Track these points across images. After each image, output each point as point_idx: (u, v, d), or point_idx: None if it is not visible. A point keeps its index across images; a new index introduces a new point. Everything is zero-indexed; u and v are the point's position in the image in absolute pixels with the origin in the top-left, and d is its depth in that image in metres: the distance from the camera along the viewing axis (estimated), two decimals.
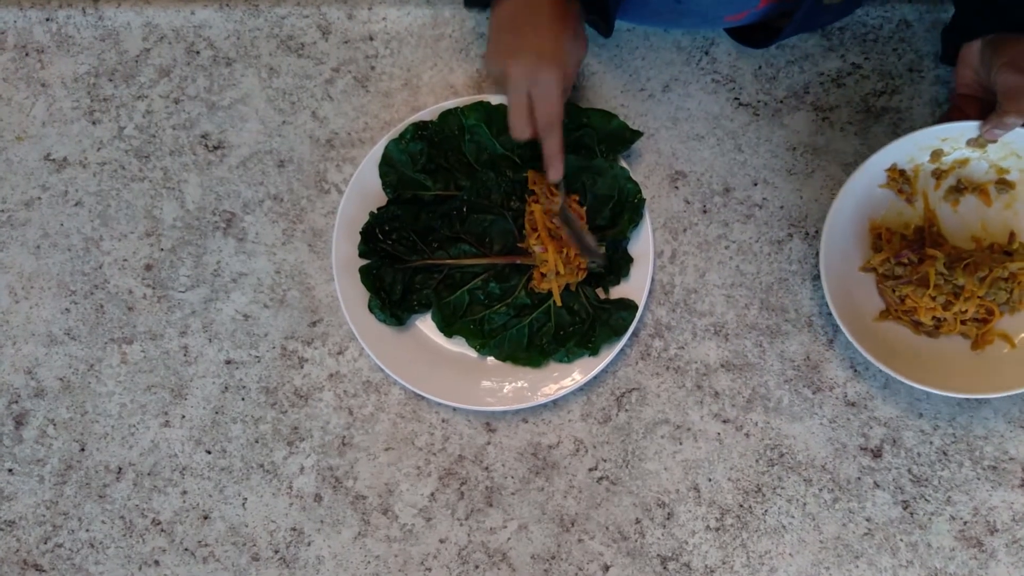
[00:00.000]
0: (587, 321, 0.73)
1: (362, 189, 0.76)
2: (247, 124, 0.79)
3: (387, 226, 0.74)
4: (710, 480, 0.73)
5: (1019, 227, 0.72)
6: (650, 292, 0.74)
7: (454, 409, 0.75)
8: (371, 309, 0.74)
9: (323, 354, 0.76)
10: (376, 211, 0.75)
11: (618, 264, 0.74)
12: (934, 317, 0.70)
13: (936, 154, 0.71)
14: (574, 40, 0.66)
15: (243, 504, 0.74)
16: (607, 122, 0.74)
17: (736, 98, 0.77)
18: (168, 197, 0.79)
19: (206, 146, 0.79)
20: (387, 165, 0.75)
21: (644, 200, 0.72)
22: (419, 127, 0.75)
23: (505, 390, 0.73)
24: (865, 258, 0.72)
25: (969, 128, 0.68)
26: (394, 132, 0.75)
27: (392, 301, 0.74)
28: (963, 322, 0.71)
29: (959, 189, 0.72)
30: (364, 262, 0.75)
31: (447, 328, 0.74)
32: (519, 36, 0.63)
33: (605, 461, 0.73)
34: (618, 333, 0.72)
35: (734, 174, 0.76)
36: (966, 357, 0.71)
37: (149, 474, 0.75)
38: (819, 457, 0.72)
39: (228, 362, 0.76)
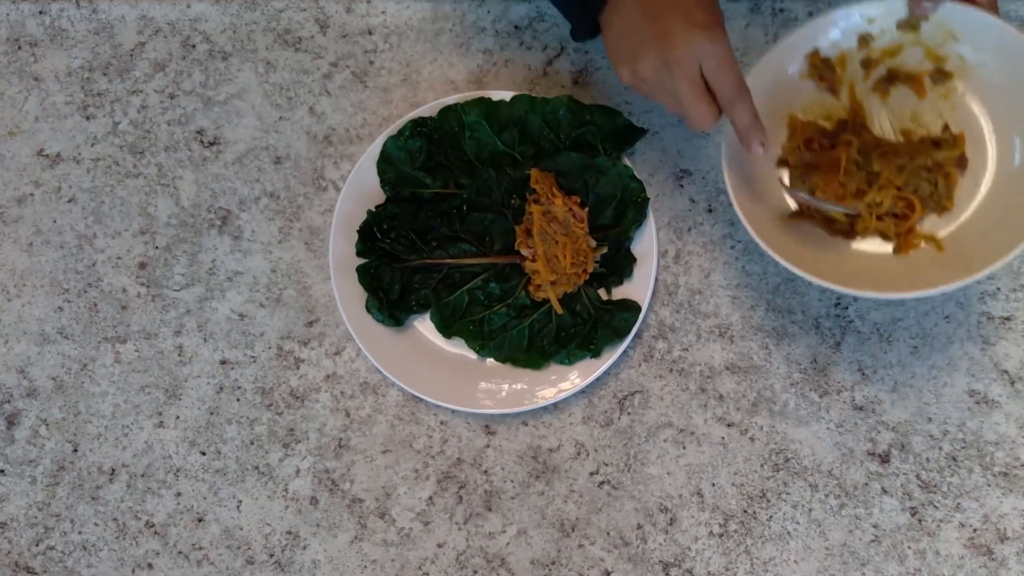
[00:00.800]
0: (589, 323, 0.71)
1: (360, 187, 0.74)
2: (243, 120, 0.78)
3: (385, 224, 0.73)
4: (714, 485, 0.71)
5: (954, 119, 0.63)
6: (653, 293, 0.72)
7: (453, 412, 0.73)
8: (368, 309, 0.73)
9: (320, 355, 0.74)
10: (374, 209, 0.73)
11: (621, 264, 0.72)
12: (846, 212, 0.63)
13: (864, 40, 0.62)
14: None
15: (238, 507, 0.73)
16: (611, 119, 0.72)
17: None
18: (163, 194, 0.77)
19: (201, 142, 0.78)
20: (385, 162, 0.74)
21: (648, 199, 0.71)
22: (418, 124, 0.73)
23: (505, 392, 0.71)
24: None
25: (897, 6, 0.59)
26: (393, 129, 0.73)
27: (390, 301, 0.72)
28: (880, 218, 0.62)
29: (890, 79, 0.63)
30: (362, 261, 0.73)
31: (446, 329, 0.72)
32: (658, 18, 0.54)
33: (606, 465, 0.72)
34: (620, 335, 0.70)
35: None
36: (889, 263, 0.62)
37: (143, 476, 0.74)
38: (825, 462, 0.70)
39: (223, 362, 0.75)
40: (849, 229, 0.64)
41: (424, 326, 0.74)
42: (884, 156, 0.61)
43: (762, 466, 0.71)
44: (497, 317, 0.72)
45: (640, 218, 0.71)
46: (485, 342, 0.72)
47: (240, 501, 0.73)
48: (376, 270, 0.73)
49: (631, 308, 0.71)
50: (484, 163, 0.73)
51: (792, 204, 0.65)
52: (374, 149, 0.73)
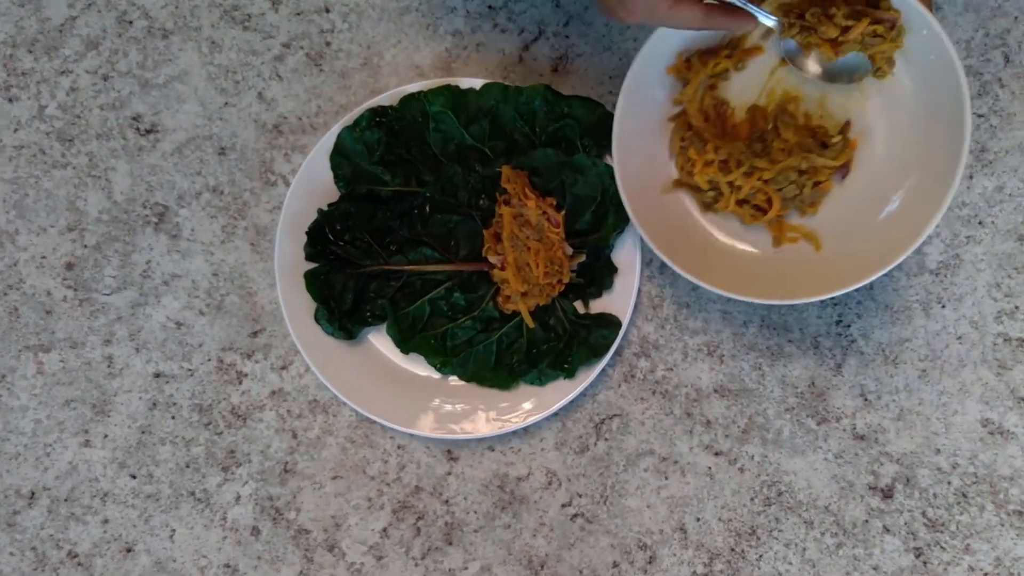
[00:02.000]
0: (563, 339, 0.64)
1: (312, 182, 0.67)
2: (184, 105, 0.71)
3: (338, 225, 0.66)
4: (698, 520, 0.65)
5: (859, 114, 0.61)
6: (636, 306, 0.66)
7: (411, 436, 0.66)
8: (317, 320, 0.66)
9: (265, 369, 0.68)
10: (326, 208, 0.66)
11: (600, 274, 0.65)
12: (710, 183, 0.62)
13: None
14: None
15: (171, 536, 0.67)
16: (591, 112, 0.65)
17: None
18: (93, 187, 0.71)
19: (137, 129, 0.71)
20: (340, 155, 0.67)
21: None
22: (377, 113, 0.66)
23: (469, 415, 0.65)
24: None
25: None
26: (349, 118, 0.66)
27: (342, 311, 0.65)
28: (739, 202, 0.62)
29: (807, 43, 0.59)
30: (311, 266, 0.66)
31: (404, 343, 0.65)
32: None
33: (580, 496, 0.66)
34: (598, 354, 0.63)
35: (631, 63, 0.66)
36: (767, 259, 0.63)
37: (66, 500, 0.68)
38: (822, 496, 0.65)
39: (157, 375, 0.68)
40: (711, 202, 0.63)
41: (380, 340, 0.67)
42: (763, 140, 0.61)
43: (752, 500, 0.65)
44: (461, 331, 0.65)
45: (622, 223, 0.64)
46: (448, 358, 0.65)
47: (173, 530, 0.67)
48: (327, 276, 0.66)
49: (610, 324, 0.64)
50: (450, 158, 0.66)
51: (673, 172, 0.64)
52: (327, 140, 0.67)
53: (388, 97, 0.67)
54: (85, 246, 0.70)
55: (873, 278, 0.57)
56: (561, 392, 0.64)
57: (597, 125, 0.65)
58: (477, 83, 0.66)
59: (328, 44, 0.71)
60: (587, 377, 0.64)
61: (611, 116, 0.65)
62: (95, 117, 0.72)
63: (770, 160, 0.61)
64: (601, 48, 0.70)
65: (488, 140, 0.66)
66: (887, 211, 0.61)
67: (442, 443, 0.67)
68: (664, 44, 0.60)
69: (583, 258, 0.65)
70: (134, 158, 0.71)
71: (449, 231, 0.66)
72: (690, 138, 0.63)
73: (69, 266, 0.70)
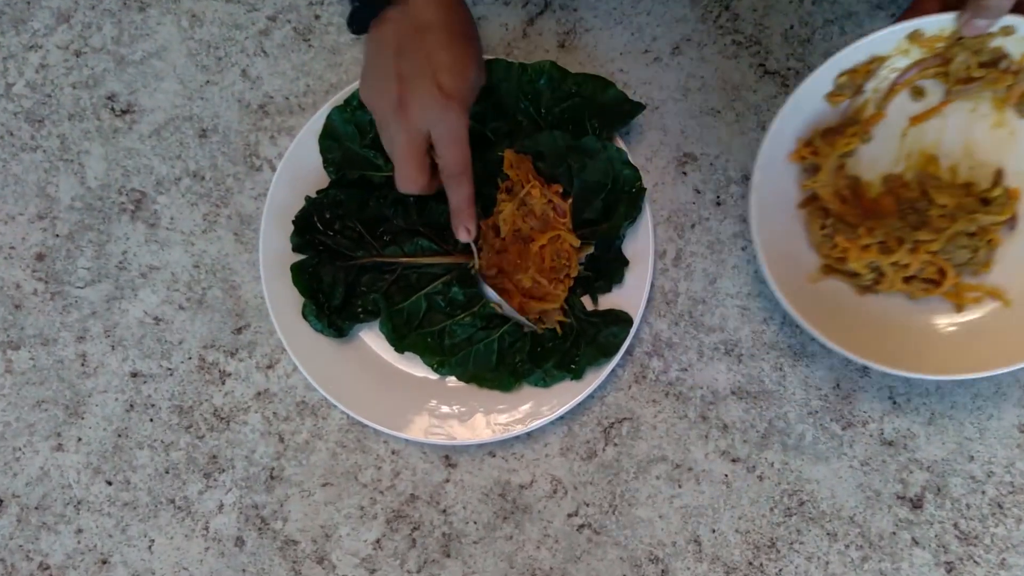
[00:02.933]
0: (570, 337, 0.60)
1: (299, 167, 0.63)
2: (163, 84, 0.68)
3: (328, 214, 0.62)
4: (714, 531, 0.62)
5: (1011, 159, 0.58)
6: (648, 302, 0.63)
7: (406, 441, 0.62)
8: (305, 316, 0.62)
9: (249, 367, 0.65)
10: (314, 195, 0.61)
11: (610, 268, 0.61)
12: (870, 266, 0.59)
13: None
14: (479, 65, 0.57)
15: (149, 547, 0.64)
16: (602, 91, 0.61)
17: (761, 64, 0.65)
18: (65, 171, 0.67)
19: (112, 110, 0.68)
20: (330, 138, 0.63)
21: (644, 189, 0.60)
22: None
23: (468, 419, 0.61)
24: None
25: (941, 23, 0.53)
26: (339, 97, 0.62)
27: (331, 307, 0.61)
28: (906, 280, 0.60)
29: (961, 81, 0.57)
30: (298, 257, 0.61)
31: (399, 341, 0.61)
32: (413, 61, 0.54)
33: (588, 505, 0.62)
34: (607, 353, 0.59)
35: (755, 159, 0.63)
36: (951, 329, 0.59)
37: (37, 508, 0.65)
38: (847, 507, 0.62)
39: (134, 375, 0.65)
40: (872, 285, 0.60)
41: (372, 338, 0.63)
42: (929, 205, 0.59)
43: (772, 510, 0.62)
44: (460, 328, 0.61)
45: (634, 212, 0.60)
46: (445, 358, 0.61)
47: (152, 540, 0.64)
48: (315, 269, 0.61)
49: (621, 321, 0.60)
50: None
51: (814, 259, 0.61)
52: (316, 122, 0.62)
53: None
54: (56, 235, 0.67)
55: None
56: (567, 394, 0.60)
57: (608, 105, 0.61)
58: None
59: (317, 17, 0.67)
60: (596, 378, 0.60)
61: (623, 95, 0.61)
62: (67, 96, 0.68)
63: (933, 230, 0.58)
64: (612, 22, 0.65)
65: (490, 121, 0.62)
66: None
67: (439, 449, 0.63)
68: (785, 130, 0.58)
69: (591, 250, 0.61)
70: (109, 141, 0.67)
71: (446, 221, 0.62)
72: (832, 224, 0.59)
73: (39, 257, 0.67)
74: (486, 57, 0.62)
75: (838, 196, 0.60)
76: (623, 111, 0.61)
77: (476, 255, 0.60)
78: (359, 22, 0.56)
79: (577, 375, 0.60)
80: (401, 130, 0.54)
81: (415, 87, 0.53)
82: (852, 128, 0.58)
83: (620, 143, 0.61)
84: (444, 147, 0.55)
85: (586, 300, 0.62)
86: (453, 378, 0.62)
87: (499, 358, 0.61)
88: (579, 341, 0.60)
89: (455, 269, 0.62)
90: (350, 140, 0.62)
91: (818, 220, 0.60)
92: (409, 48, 0.54)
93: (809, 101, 0.57)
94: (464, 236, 0.58)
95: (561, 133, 0.60)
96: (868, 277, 0.59)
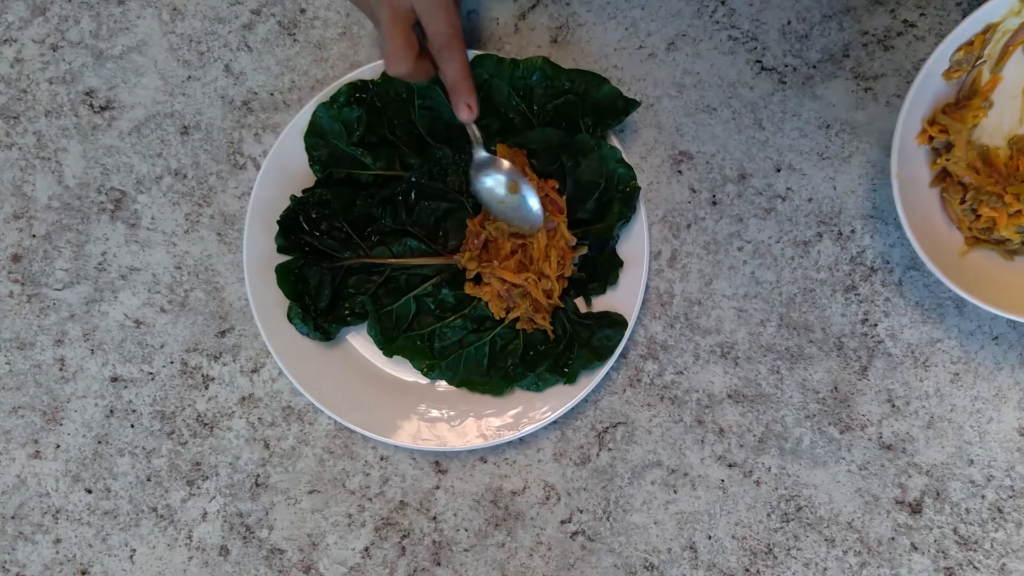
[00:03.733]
0: (563, 340, 0.59)
1: (284, 165, 0.61)
2: (143, 79, 0.66)
3: (314, 213, 0.60)
4: (710, 538, 0.60)
5: None
6: (643, 303, 0.61)
7: (394, 447, 0.61)
8: (291, 319, 0.60)
9: (234, 372, 0.63)
10: (300, 194, 0.60)
11: (604, 268, 0.59)
12: (1020, 231, 0.59)
13: None
14: None
15: (131, 557, 0.62)
16: (595, 88, 0.59)
17: (758, 61, 0.63)
18: (42, 170, 0.65)
19: (91, 106, 0.65)
20: (316, 135, 0.61)
21: (639, 188, 0.59)
22: (357, 88, 0.60)
23: (459, 424, 0.59)
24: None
25: None
26: (326, 94, 0.60)
27: (318, 309, 0.59)
28: None
29: None
30: (284, 258, 0.60)
31: (387, 344, 0.59)
32: None
33: (581, 512, 0.61)
34: (601, 357, 0.58)
35: (752, 157, 0.62)
36: None
37: (13, 517, 0.63)
38: (845, 512, 0.61)
39: (114, 379, 0.63)
40: (1021, 248, 0.60)
41: (360, 341, 0.62)
42: None
43: (769, 515, 0.61)
44: (451, 331, 0.60)
45: (628, 212, 0.58)
46: (435, 361, 0.59)
47: (134, 550, 0.62)
48: (301, 270, 0.60)
49: (615, 323, 0.58)
50: (438, 139, 0.61)
51: (957, 232, 0.61)
52: (302, 119, 0.61)
53: (370, 70, 0.61)
54: (33, 236, 0.64)
55: None
56: (560, 399, 0.59)
57: (602, 102, 0.59)
58: (469, 54, 0.59)
59: (303, 11, 0.65)
60: (589, 382, 0.58)
61: (617, 92, 0.59)
62: (43, 92, 0.65)
63: None
64: (605, 17, 0.63)
65: (481, 119, 0.60)
66: None
67: (429, 455, 0.61)
68: (914, 115, 0.58)
69: (585, 250, 0.59)
70: (87, 138, 0.65)
71: (437, 220, 0.60)
72: (972, 197, 0.59)
73: (16, 258, 0.64)
74: (476, 52, 0.60)
75: (972, 168, 0.59)
76: (617, 108, 0.60)
77: (475, 136, 0.57)
78: None
79: (571, 379, 0.58)
80: (384, 4, 0.51)
81: None
82: (975, 99, 0.59)
83: (614, 141, 0.59)
84: (429, 16, 0.51)
85: (579, 302, 0.60)
86: (443, 382, 0.61)
87: (490, 361, 0.60)
88: (572, 344, 0.59)
89: (445, 270, 0.60)
90: (336, 138, 0.60)
91: (956, 195, 0.60)
92: None
93: (929, 83, 0.58)
94: (466, 113, 0.54)
95: (554, 130, 0.59)
96: (1018, 240, 0.59)
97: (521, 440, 0.61)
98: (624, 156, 0.59)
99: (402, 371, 0.61)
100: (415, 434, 0.59)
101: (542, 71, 0.60)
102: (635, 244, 0.60)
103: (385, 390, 0.61)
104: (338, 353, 0.61)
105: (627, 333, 0.59)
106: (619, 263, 0.60)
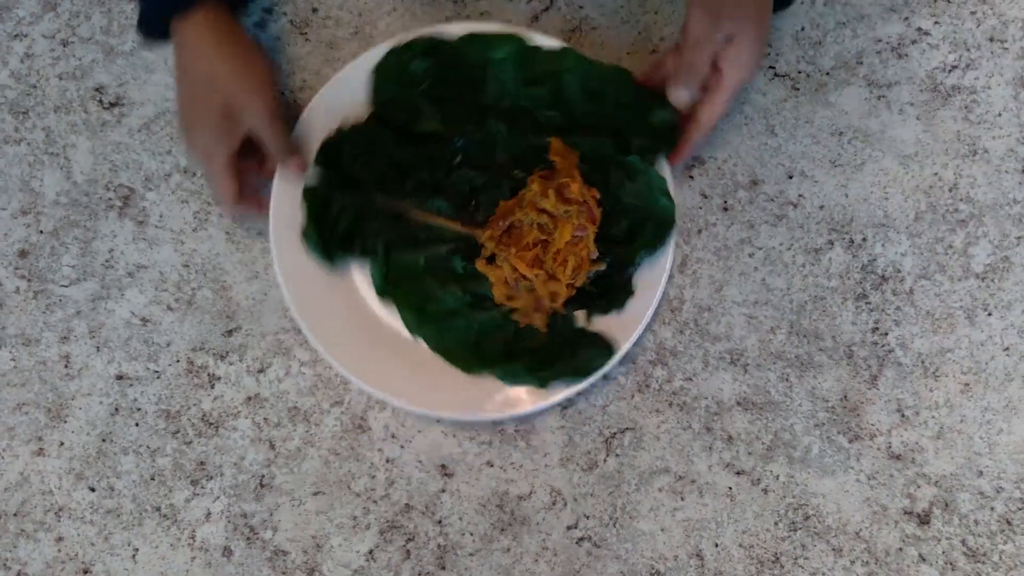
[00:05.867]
0: (551, 346, 0.58)
1: (330, 107, 0.61)
2: (153, 76, 0.65)
3: (358, 147, 0.60)
4: (717, 546, 0.60)
5: None
6: (655, 312, 0.60)
7: (400, 447, 0.61)
8: (304, 236, 0.60)
9: (240, 371, 0.62)
10: (349, 128, 0.60)
11: (616, 291, 0.60)
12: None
13: None
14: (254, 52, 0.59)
15: (133, 556, 0.61)
16: (657, 110, 0.59)
17: (771, 67, 0.63)
18: (51, 165, 0.64)
19: (100, 102, 0.65)
20: (384, 77, 0.61)
21: (674, 224, 0.59)
22: (434, 43, 0.60)
23: (425, 387, 0.59)
24: None
25: None
26: (400, 40, 0.60)
27: (332, 233, 0.60)
28: None
29: None
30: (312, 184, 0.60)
31: (384, 287, 0.60)
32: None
33: (588, 518, 0.60)
34: (580, 374, 0.58)
35: (764, 163, 0.62)
36: None
37: (15, 515, 0.62)
38: (853, 521, 0.60)
39: (120, 377, 0.62)
40: None
41: (363, 280, 0.61)
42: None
43: (776, 524, 0.60)
44: (450, 298, 0.60)
45: (657, 244, 0.59)
46: (424, 321, 0.60)
47: (136, 549, 0.61)
48: (328, 195, 0.60)
49: (604, 348, 0.59)
50: (498, 115, 0.60)
51: None
52: (368, 60, 0.61)
53: (452, 29, 0.61)
54: (41, 232, 0.64)
55: None
56: (527, 400, 0.58)
57: (658, 127, 0.59)
58: (553, 43, 0.60)
59: (315, 10, 0.65)
60: (558, 394, 0.58)
61: (675, 121, 0.59)
62: (53, 87, 0.65)
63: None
64: (619, 20, 0.63)
65: (546, 107, 0.60)
66: None
67: (436, 457, 0.61)
68: None
69: (603, 267, 0.59)
70: (96, 134, 0.64)
71: (472, 190, 0.60)
72: None
73: (22, 254, 0.64)
74: (560, 44, 0.60)
75: None
76: (671, 137, 0.59)
77: None
78: (149, 25, 0.59)
79: (542, 383, 0.58)
80: (196, 147, 0.58)
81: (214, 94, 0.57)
82: None
83: (666, 172, 0.59)
84: (249, 117, 0.57)
85: (580, 315, 0.59)
86: (424, 343, 0.60)
87: (476, 340, 0.59)
88: (559, 353, 0.58)
89: (463, 240, 0.60)
90: (404, 83, 0.60)
91: None
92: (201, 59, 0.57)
93: None
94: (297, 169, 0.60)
95: (610, 143, 0.58)
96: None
97: (528, 444, 0.61)
98: (671, 189, 0.59)
99: (393, 323, 0.60)
100: (381, 380, 0.58)
101: (616, 81, 0.59)
102: (650, 276, 0.59)
103: (371, 336, 0.60)
104: (339, 286, 0.60)
105: (613, 361, 0.58)
106: (631, 291, 0.59)
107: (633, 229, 0.59)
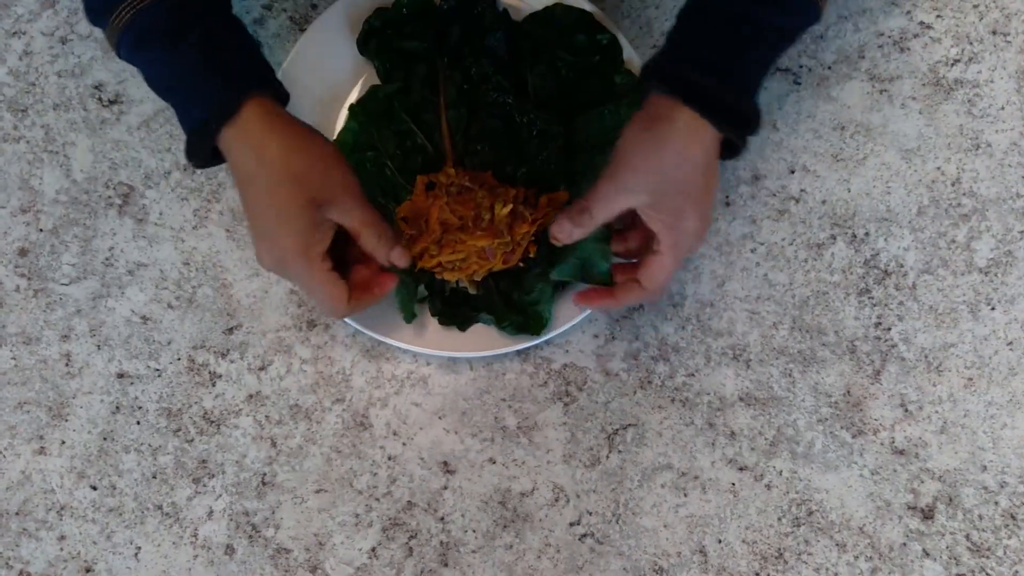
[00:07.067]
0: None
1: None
2: None
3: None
4: (720, 542, 0.59)
5: None
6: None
7: (403, 444, 0.60)
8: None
9: (241, 369, 0.61)
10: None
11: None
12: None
13: None
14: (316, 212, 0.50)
15: (135, 555, 0.61)
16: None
17: None
18: (50, 163, 0.64)
19: (100, 100, 0.64)
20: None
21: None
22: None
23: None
24: None
25: None
26: None
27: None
28: None
29: None
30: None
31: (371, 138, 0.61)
32: (261, 219, 0.51)
33: (590, 514, 0.60)
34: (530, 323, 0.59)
35: (766, 158, 0.62)
36: None
37: (17, 514, 0.61)
38: (856, 517, 0.59)
39: (121, 375, 0.62)
40: None
41: None
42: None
43: (780, 520, 0.60)
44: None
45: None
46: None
47: (139, 548, 0.61)
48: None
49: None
50: (540, 97, 0.61)
51: None
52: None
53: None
54: (40, 230, 0.63)
55: None
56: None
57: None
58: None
59: (314, 7, 0.65)
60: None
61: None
62: (52, 85, 0.64)
63: None
64: (619, 15, 0.63)
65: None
66: None
67: (438, 454, 0.60)
68: None
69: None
70: (96, 132, 0.64)
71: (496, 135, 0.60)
72: None
73: (22, 252, 0.63)
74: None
75: None
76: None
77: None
78: (197, 153, 0.51)
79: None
80: (292, 254, 0.50)
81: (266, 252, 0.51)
82: None
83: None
84: (341, 211, 0.51)
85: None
86: None
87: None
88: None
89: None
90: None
91: None
92: (259, 207, 0.50)
93: None
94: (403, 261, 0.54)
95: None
96: None
97: (531, 441, 0.60)
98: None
99: None
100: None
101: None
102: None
103: None
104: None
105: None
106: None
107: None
